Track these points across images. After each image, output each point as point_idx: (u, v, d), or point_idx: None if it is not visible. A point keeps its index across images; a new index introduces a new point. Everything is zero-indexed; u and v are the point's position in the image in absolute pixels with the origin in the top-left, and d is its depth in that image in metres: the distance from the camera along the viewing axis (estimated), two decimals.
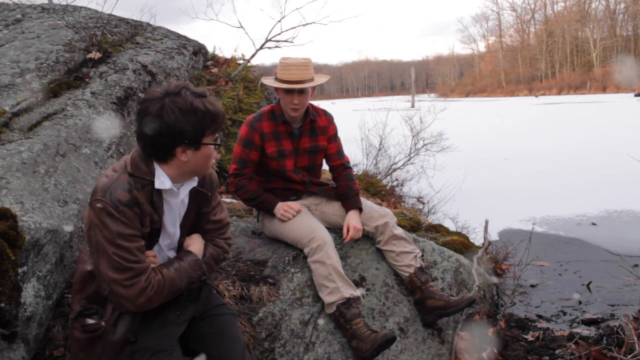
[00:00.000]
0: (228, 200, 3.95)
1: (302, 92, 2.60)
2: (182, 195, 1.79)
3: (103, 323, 1.69)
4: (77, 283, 1.77)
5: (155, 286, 1.63)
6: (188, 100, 1.59)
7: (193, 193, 1.84)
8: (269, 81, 2.71)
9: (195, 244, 1.85)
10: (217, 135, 1.70)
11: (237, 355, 1.87)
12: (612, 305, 3.56)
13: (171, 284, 1.68)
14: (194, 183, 1.80)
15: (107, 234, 1.57)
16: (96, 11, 4.74)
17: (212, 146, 1.68)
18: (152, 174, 1.66)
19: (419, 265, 2.71)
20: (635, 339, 2.60)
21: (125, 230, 1.59)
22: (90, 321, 1.71)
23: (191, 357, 1.83)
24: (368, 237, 2.83)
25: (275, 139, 2.71)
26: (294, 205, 2.70)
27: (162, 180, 1.68)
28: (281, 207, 2.70)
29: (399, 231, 2.77)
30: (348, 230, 2.69)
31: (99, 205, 1.57)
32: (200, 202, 1.87)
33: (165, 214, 1.76)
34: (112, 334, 1.68)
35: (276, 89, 2.65)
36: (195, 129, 1.60)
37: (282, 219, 2.69)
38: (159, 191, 1.70)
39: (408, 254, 2.71)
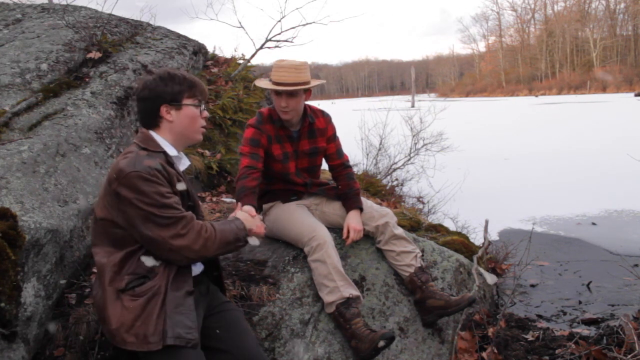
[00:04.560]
0: (228, 200, 3.95)
1: (291, 95, 2.56)
2: (185, 165, 1.98)
3: (155, 282, 1.73)
4: (114, 267, 1.76)
5: (207, 229, 1.79)
6: (167, 70, 1.91)
7: (187, 177, 2.01)
8: (260, 82, 2.69)
9: (242, 214, 2.04)
10: (198, 99, 1.92)
11: (252, 345, 1.91)
12: (612, 305, 3.56)
13: (221, 233, 1.83)
14: (188, 162, 2.01)
15: (148, 199, 1.70)
16: (96, 11, 4.74)
17: (195, 108, 1.91)
18: (161, 147, 1.87)
19: (419, 265, 2.71)
20: (635, 338, 2.60)
21: (162, 189, 1.74)
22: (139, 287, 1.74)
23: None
24: (368, 237, 2.83)
25: (278, 142, 2.71)
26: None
27: (169, 148, 1.89)
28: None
29: (399, 231, 2.76)
30: (348, 232, 2.69)
31: (133, 174, 1.71)
32: (190, 185, 2.05)
33: None
34: (174, 290, 1.75)
35: (270, 91, 2.64)
36: (173, 90, 1.87)
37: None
38: (172, 158, 1.89)
39: (408, 254, 2.71)
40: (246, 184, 2.54)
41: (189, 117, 1.90)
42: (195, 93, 1.91)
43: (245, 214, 2.04)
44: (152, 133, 1.90)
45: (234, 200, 3.87)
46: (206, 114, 1.98)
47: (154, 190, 1.71)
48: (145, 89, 1.87)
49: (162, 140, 1.90)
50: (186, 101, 1.89)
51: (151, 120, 1.90)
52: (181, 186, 1.85)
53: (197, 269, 1.99)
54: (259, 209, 2.92)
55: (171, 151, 1.90)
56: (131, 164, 1.74)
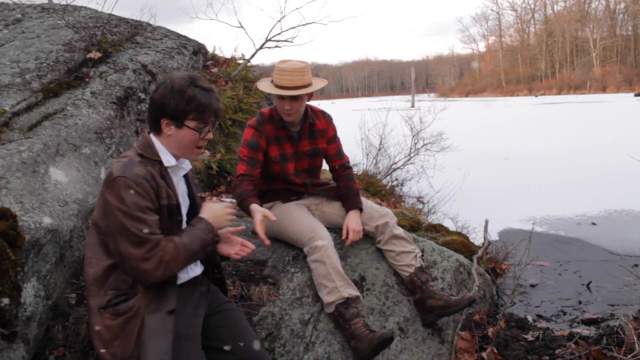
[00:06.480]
0: (228, 200, 3.95)
1: (294, 98, 2.57)
2: (182, 174, 1.96)
3: (135, 302, 1.72)
4: (98, 279, 1.77)
5: (170, 253, 1.72)
6: (181, 83, 1.80)
7: (190, 178, 2.01)
8: (262, 85, 2.68)
9: (206, 212, 1.93)
10: (203, 124, 1.83)
11: (254, 344, 1.91)
12: (612, 305, 3.56)
13: (186, 248, 1.77)
14: (189, 165, 1.99)
15: (125, 208, 1.68)
16: (96, 11, 4.74)
17: (195, 132, 1.83)
18: (158, 156, 1.84)
19: (419, 265, 2.71)
20: (635, 338, 2.60)
21: (142, 202, 1.70)
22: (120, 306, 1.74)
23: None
24: (368, 237, 2.83)
25: (277, 143, 2.71)
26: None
27: (167, 159, 1.85)
28: (254, 221, 2.43)
29: (399, 231, 2.76)
30: (347, 233, 2.68)
31: (119, 180, 1.69)
32: (193, 188, 2.04)
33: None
34: (154, 311, 1.72)
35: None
36: (177, 108, 1.79)
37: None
38: (166, 169, 1.86)
39: (408, 254, 2.71)
40: (244, 187, 2.59)
41: (186, 138, 1.83)
42: (202, 116, 1.82)
43: (212, 212, 1.92)
44: (154, 139, 1.86)
45: (234, 201, 3.87)
46: (210, 136, 1.90)
47: (133, 200, 1.68)
48: (155, 92, 1.82)
49: (162, 147, 1.85)
50: (189, 123, 1.82)
51: (153, 126, 1.87)
52: (163, 202, 1.78)
53: (197, 269, 1.99)
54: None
55: (169, 160, 1.85)
56: (121, 168, 1.73)
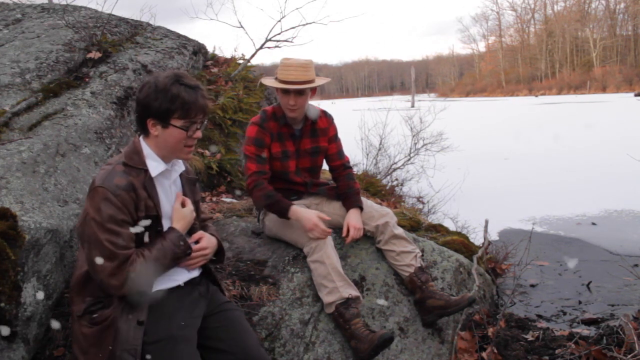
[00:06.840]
0: (228, 200, 3.95)
1: (299, 93, 2.59)
2: (174, 176, 1.92)
3: (111, 312, 1.72)
4: (77, 285, 1.80)
5: (139, 269, 1.70)
6: (165, 82, 1.76)
7: (185, 181, 1.97)
8: (267, 81, 2.71)
9: (179, 222, 1.87)
10: (190, 122, 1.79)
11: (253, 345, 1.91)
12: (612, 305, 3.56)
13: (155, 262, 1.75)
14: (182, 167, 1.95)
15: (100, 219, 1.66)
16: (96, 11, 4.74)
17: (181, 131, 1.78)
18: (144, 164, 1.80)
19: (419, 265, 2.71)
20: (635, 338, 2.60)
21: (118, 215, 1.68)
22: (97, 315, 1.74)
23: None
24: (368, 237, 2.83)
25: (279, 140, 2.72)
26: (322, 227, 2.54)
27: (154, 165, 1.82)
28: (310, 221, 2.52)
29: (399, 231, 2.77)
30: (348, 230, 2.68)
31: (98, 190, 1.68)
32: (192, 190, 2.00)
33: (161, 197, 1.85)
34: (125, 321, 1.71)
35: (276, 89, 2.65)
36: (161, 107, 1.75)
37: (312, 237, 2.55)
38: (151, 179, 1.81)
39: (408, 254, 2.71)
40: (267, 188, 2.62)
41: (173, 137, 1.79)
42: (188, 114, 1.77)
43: (184, 220, 1.87)
44: (143, 143, 1.83)
45: (234, 201, 3.87)
46: (199, 134, 1.84)
47: (109, 212, 1.67)
48: (140, 92, 1.79)
49: (150, 152, 1.82)
50: (174, 122, 1.77)
51: (141, 127, 1.83)
52: (143, 223, 1.75)
53: (195, 271, 1.98)
54: (259, 209, 2.93)
55: (157, 167, 1.82)
56: (102, 177, 1.72)
